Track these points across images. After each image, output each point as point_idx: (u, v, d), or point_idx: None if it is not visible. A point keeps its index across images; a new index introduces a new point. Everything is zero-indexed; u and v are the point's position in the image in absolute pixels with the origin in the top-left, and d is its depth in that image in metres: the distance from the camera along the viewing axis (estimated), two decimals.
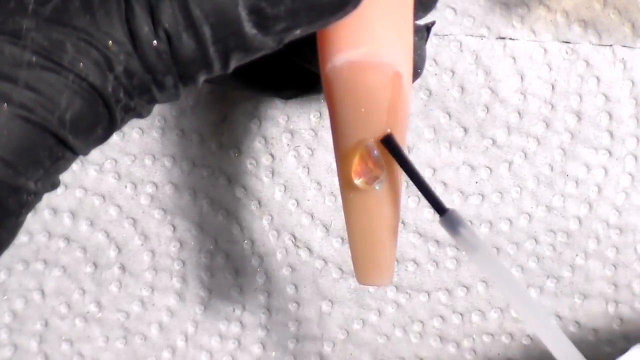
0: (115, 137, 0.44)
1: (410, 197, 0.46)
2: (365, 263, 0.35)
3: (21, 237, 0.45)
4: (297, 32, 0.30)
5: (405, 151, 0.34)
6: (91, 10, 0.27)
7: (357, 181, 0.33)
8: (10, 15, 0.27)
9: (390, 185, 0.34)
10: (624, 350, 0.40)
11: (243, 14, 0.28)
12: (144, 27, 0.28)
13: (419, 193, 0.45)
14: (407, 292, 0.47)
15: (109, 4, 0.27)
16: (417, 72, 0.36)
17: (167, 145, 0.45)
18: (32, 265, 0.45)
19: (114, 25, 0.28)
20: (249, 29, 0.29)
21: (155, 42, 0.28)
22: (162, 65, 0.28)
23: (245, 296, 0.46)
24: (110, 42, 0.28)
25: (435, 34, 0.44)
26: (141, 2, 0.28)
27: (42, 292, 0.45)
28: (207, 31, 0.28)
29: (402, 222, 0.46)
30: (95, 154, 0.44)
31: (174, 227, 0.46)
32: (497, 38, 0.44)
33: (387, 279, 0.35)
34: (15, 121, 0.27)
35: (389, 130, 0.33)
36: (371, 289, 0.46)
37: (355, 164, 0.33)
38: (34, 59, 0.27)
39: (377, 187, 0.33)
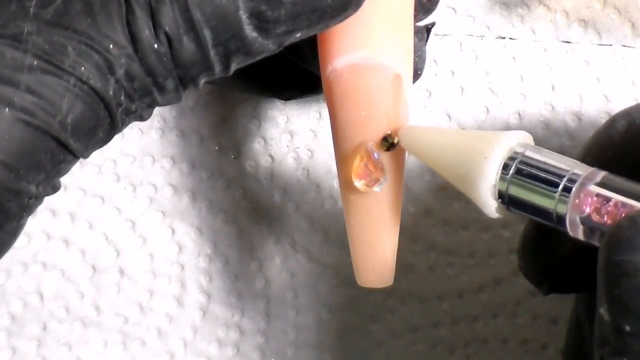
0: (114, 138, 0.44)
1: (409, 202, 0.45)
2: (365, 265, 0.35)
3: (20, 239, 0.44)
4: (298, 35, 0.30)
5: (406, 154, 0.34)
6: (92, 13, 0.28)
7: (358, 183, 0.33)
8: (11, 18, 0.27)
9: (391, 186, 0.34)
10: None
11: (244, 17, 0.29)
12: (145, 30, 0.28)
13: (417, 197, 0.45)
14: (405, 299, 0.46)
15: (109, 6, 0.28)
16: (416, 73, 0.37)
17: (167, 146, 0.45)
18: (30, 267, 0.45)
19: (115, 28, 0.28)
20: (250, 32, 0.29)
21: (156, 45, 0.28)
22: (163, 68, 0.29)
23: (244, 302, 0.46)
24: (111, 45, 0.28)
25: (435, 34, 0.44)
26: (142, 5, 0.28)
27: (41, 295, 0.45)
28: (207, 34, 0.28)
29: (401, 227, 0.45)
30: (95, 154, 0.43)
31: (173, 230, 0.45)
32: (497, 38, 0.44)
33: (387, 280, 0.35)
34: (17, 125, 0.27)
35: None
36: (370, 295, 0.46)
37: (356, 166, 0.33)
38: (35, 62, 0.27)
39: (376, 189, 0.33)
